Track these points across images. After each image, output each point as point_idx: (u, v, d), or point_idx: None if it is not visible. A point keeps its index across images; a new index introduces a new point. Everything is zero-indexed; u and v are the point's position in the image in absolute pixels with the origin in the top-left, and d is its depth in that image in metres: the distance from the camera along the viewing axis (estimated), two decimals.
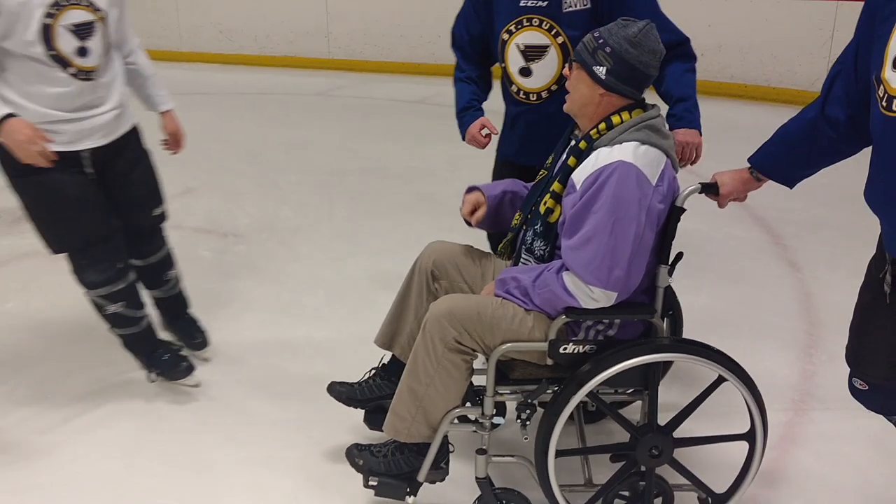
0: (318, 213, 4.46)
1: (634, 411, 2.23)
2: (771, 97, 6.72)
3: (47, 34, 2.28)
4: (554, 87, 2.41)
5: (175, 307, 2.94)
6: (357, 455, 2.13)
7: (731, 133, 4.56)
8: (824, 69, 6.42)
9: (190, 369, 2.71)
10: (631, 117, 1.89)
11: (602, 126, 1.91)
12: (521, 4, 2.37)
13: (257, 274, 3.66)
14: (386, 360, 2.34)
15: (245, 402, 2.67)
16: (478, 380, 2.06)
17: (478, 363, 2.04)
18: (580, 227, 1.84)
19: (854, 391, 1.91)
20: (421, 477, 2.07)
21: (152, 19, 9.47)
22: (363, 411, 2.34)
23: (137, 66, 2.67)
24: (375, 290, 3.37)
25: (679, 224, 1.91)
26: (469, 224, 2.24)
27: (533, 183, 2.16)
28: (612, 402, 2.17)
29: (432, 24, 7.84)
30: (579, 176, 1.87)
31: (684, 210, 1.91)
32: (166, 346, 2.76)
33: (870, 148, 1.67)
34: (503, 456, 2.12)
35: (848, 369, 1.91)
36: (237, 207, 4.55)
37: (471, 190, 2.25)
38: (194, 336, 2.91)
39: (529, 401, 1.98)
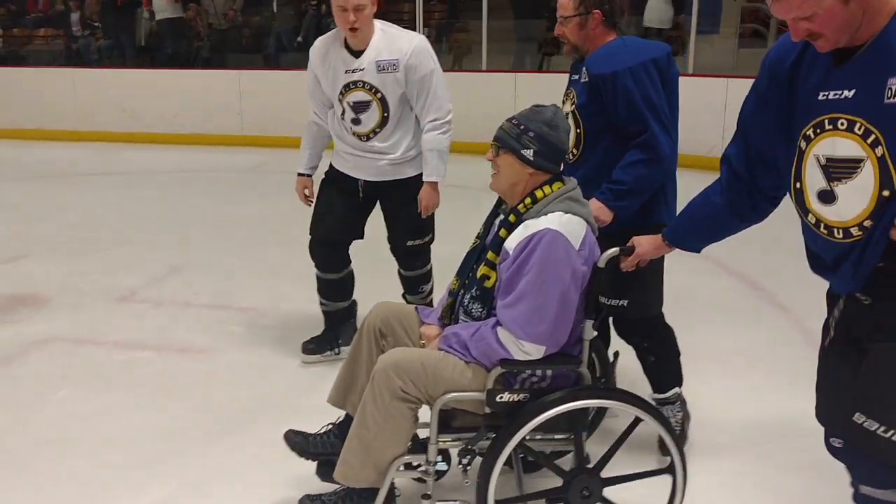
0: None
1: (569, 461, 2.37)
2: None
3: (341, 105, 3.17)
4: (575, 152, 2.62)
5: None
6: None
7: None
8: (719, 136, 6.89)
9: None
10: (552, 190, 2.13)
11: (528, 201, 2.14)
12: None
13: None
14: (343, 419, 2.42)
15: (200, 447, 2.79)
16: (422, 432, 2.20)
17: (422, 416, 2.17)
18: (513, 287, 2.06)
19: (834, 451, 1.84)
20: None
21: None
22: (316, 463, 2.40)
23: (421, 141, 3.23)
24: None
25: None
26: None
27: (467, 251, 2.36)
28: (551, 451, 2.31)
29: None
30: (511, 244, 2.10)
31: (603, 269, 2.11)
32: (346, 336, 3.38)
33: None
34: (447, 501, 2.25)
35: None
36: (238, 282, 4.57)
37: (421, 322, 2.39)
38: None
39: (470, 447, 2.14)
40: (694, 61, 8.00)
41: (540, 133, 2.12)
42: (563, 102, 2.76)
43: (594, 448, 2.24)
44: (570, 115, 2.61)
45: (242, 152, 8.70)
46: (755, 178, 1.88)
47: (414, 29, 9.13)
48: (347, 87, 3.11)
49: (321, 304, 3.50)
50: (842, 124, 1.53)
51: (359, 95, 3.11)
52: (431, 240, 3.44)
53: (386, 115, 3.13)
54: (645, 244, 2.19)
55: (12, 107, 9.86)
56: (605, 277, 2.12)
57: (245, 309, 4.15)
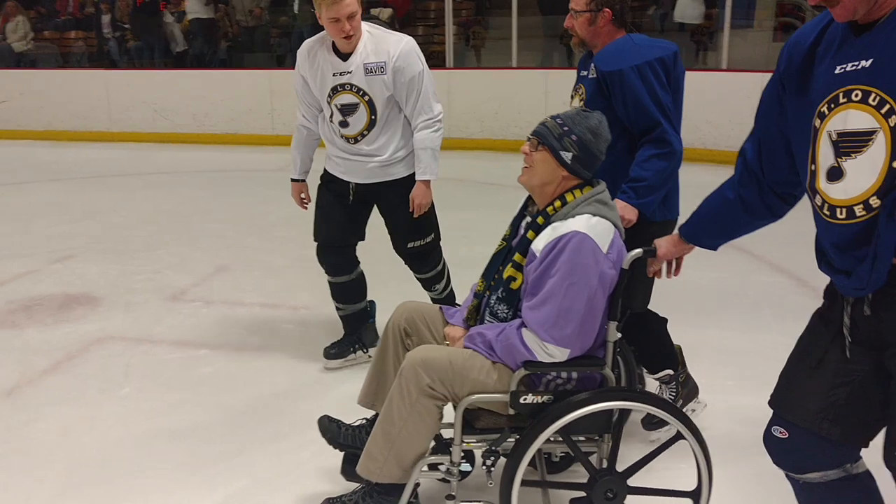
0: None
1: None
2: (707, 158, 7.44)
3: (329, 107, 3.17)
4: None
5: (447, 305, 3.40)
6: None
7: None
8: None
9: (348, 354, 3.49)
10: (582, 193, 2.12)
11: (557, 203, 2.12)
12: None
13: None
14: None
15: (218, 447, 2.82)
16: (446, 433, 2.21)
17: (446, 416, 2.17)
18: (539, 289, 2.04)
19: (771, 442, 1.84)
20: None
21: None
22: (341, 463, 2.43)
23: (414, 140, 3.23)
24: None
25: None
26: None
27: (493, 253, 2.35)
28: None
29: None
30: (538, 245, 2.08)
31: (629, 272, 2.09)
32: (362, 339, 3.49)
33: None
34: (471, 502, 2.26)
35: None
36: (285, 281, 4.60)
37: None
38: None
39: (494, 448, 2.14)
40: (728, 56, 7.94)
41: (582, 139, 2.11)
42: (572, 98, 2.77)
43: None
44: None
45: (274, 151, 8.74)
46: (764, 173, 1.86)
47: (443, 26, 9.22)
48: (335, 90, 3.13)
49: (337, 308, 3.50)
50: (856, 96, 1.50)
51: (346, 98, 3.13)
52: (436, 239, 3.41)
53: (373, 117, 3.14)
54: (665, 245, 2.14)
55: (46, 109, 10.00)
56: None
57: (296, 307, 4.19)
